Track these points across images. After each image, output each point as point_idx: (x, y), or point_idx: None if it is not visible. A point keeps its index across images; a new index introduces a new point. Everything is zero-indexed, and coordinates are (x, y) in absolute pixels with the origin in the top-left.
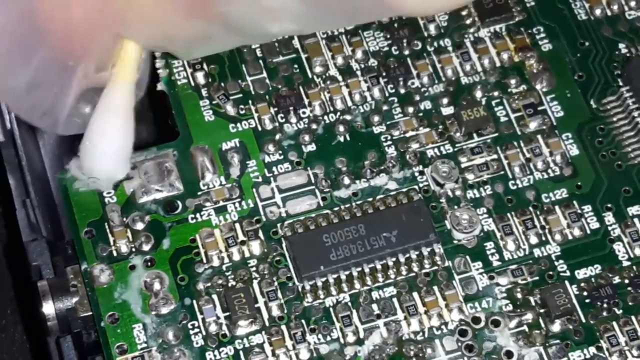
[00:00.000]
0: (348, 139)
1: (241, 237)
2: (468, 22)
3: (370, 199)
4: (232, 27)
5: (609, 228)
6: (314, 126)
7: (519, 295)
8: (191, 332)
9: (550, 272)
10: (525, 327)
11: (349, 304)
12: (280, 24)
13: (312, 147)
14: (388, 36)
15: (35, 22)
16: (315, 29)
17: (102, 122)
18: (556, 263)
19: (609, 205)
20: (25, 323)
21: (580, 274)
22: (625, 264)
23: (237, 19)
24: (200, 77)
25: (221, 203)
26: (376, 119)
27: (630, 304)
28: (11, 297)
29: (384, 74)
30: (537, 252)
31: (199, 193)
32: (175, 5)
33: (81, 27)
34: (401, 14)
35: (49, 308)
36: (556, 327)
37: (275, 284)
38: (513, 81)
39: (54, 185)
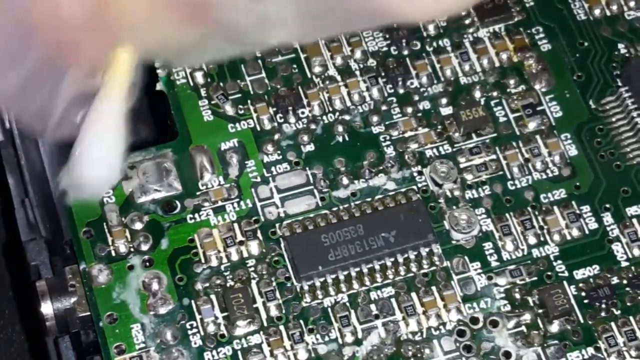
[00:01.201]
0: (347, 139)
1: (240, 237)
2: (467, 22)
3: (368, 199)
4: (228, 36)
5: (608, 228)
6: (312, 126)
7: (518, 296)
8: (189, 332)
9: (549, 273)
10: (523, 328)
11: (347, 304)
12: (277, 33)
13: (310, 147)
14: (387, 36)
15: (25, 25)
16: (313, 38)
17: (93, 130)
18: (555, 263)
19: (608, 206)
20: (23, 323)
21: (579, 274)
22: (624, 264)
23: (233, 27)
24: (199, 77)
25: (220, 203)
26: (375, 119)
27: (628, 304)
28: (9, 297)
29: (382, 74)
30: (535, 252)
31: (198, 193)
32: (169, 12)
33: (72, 32)
34: (398, 21)
35: (47, 308)
36: (554, 327)
37: (274, 284)
38: (512, 81)
39: (53, 185)
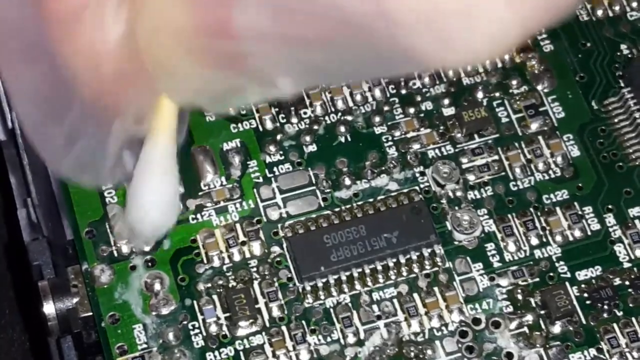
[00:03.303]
0: (349, 139)
1: (242, 238)
2: None
3: (371, 200)
4: (263, 81)
5: (610, 229)
6: (315, 127)
7: (520, 297)
8: (192, 332)
9: (551, 274)
10: (525, 329)
11: (350, 304)
12: (310, 79)
13: (313, 148)
14: None
15: (65, 82)
16: (345, 81)
17: (145, 176)
18: (557, 264)
19: (610, 207)
20: (25, 323)
21: (581, 275)
22: (626, 265)
23: (267, 74)
24: None
25: (222, 203)
26: (377, 119)
27: (630, 305)
28: (11, 297)
29: None
30: (537, 253)
31: (200, 193)
32: (202, 59)
33: (113, 86)
34: (428, 68)
35: (49, 308)
36: (557, 328)
37: (276, 284)
38: (514, 82)
39: (55, 185)
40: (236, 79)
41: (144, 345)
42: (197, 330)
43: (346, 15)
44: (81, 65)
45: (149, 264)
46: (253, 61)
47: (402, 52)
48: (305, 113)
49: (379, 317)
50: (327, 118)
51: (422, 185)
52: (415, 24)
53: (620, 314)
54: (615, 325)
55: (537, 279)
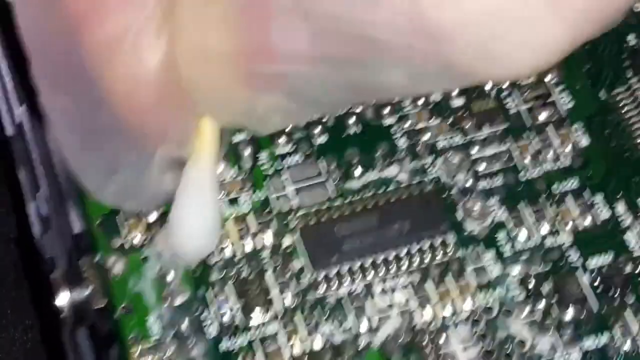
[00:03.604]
0: (358, 131)
1: (253, 229)
2: None
3: (381, 191)
4: (304, 101)
5: (620, 218)
6: (324, 118)
7: (531, 285)
8: (205, 322)
9: (562, 262)
10: (537, 316)
11: (362, 294)
12: (350, 97)
13: (322, 139)
14: None
15: (105, 111)
16: (385, 97)
17: (187, 200)
18: (567, 252)
19: (620, 196)
20: (38, 316)
21: (592, 263)
22: (637, 253)
23: (310, 93)
24: None
25: (233, 195)
26: (386, 111)
27: None
28: (12, 297)
29: None
30: (548, 241)
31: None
32: (242, 81)
33: (154, 112)
34: (473, 83)
35: (62, 300)
36: (568, 315)
37: (288, 274)
38: None
39: (63, 180)
40: (278, 100)
41: (158, 335)
42: (210, 320)
43: (383, 34)
44: (122, 92)
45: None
46: (293, 82)
47: (444, 68)
48: None
49: (391, 306)
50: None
51: (432, 176)
52: (458, 40)
53: (631, 301)
54: (626, 312)
55: (548, 267)
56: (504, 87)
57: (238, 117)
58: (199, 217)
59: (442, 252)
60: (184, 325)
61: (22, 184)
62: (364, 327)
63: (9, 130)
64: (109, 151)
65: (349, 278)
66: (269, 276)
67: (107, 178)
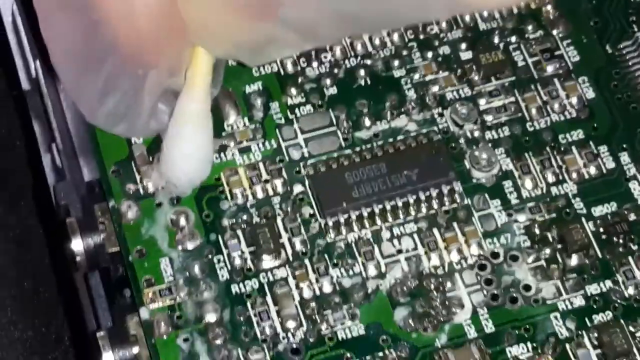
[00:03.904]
0: (369, 82)
1: (265, 176)
2: None
3: (390, 140)
4: (300, 32)
5: (625, 167)
6: (335, 70)
7: (537, 232)
8: (217, 266)
9: (567, 210)
10: (542, 262)
11: (371, 239)
12: (346, 27)
13: (333, 90)
14: None
15: (101, 34)
16: (381, 28)
17: (179, 128)
18: (573, 201)
19: (625, 146)
20: (52, 261)
21: (597, 211)
22: None
23: (304, 24)
24: None
25: (245, 144)
26: (396, 63)
27: None
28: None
29: None
30: (554, 190)
31: (223, 134)
32: (237, 11)
33: (148, 38)
34: (470, 10)
35: (77, 245)
36: (573, 261)
37: (299, 220)
38: (530, 27)
39: (75, 132)
40: (272, 30)
41: (171, 278)
42: (222, 264)
43: None
44: (118, 18)
45: (175, 201)
46: (288, 11)
47: None
48: (325, 57)
49: (399, 252)
50: (347, 62)
51: (440, 126)
52: None
53: (635, 247)
54: (630, 258)
55: (554, 215)
56: (512, 40)
57: (232, 48)
58: (191, 147)
59: (449, 199)
60: (196, 269)
61: (38, 137)
62: (372, 271)
63: (25, 85)
64: (103, 74)
65: (357, 224)
66: (280, 222)
67: (100, 101)
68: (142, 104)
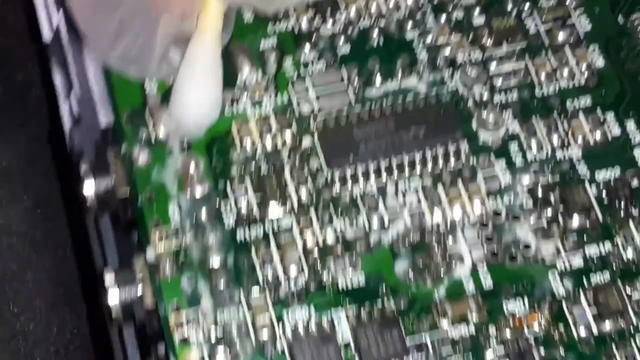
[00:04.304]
0: (381, 43)
1: (275, 129)
2: None
3: (400, 99)
4: None
5: (630, 135)
6: (349, 30)
7: (540, 193)
8: (223, 212)
9: (571, 173)
10: (544, 223)
11: (376, 194)
12: None
13: (346, 49)
14: None
15: None
16: None
17: (189, 72)
18: (577, 165)
19: (631, 114)
20: (65, 203)
21: (600, 175)
22: None
23: None
24: None
25: (257, 97)
26: (409, 25)
27: None
28: (53, 179)
29: None
30: (559, 154)
31: (236, 87)
32: None
33: None
34: None
35: (89, 188)
36: (574, 223)
37: (306, 172)
38: None
39: (93, 81)
40: None
41: (178, 222)
42: (228, 211)
43: None
44: None
45: (185, 148)
46: None
47: None
48: (340, 17)
49: (403, 206)
50: (361, 22)
51: (449, 88)
52: None
53: (636, 212)
54: (630, 222)
55: (558, 178)
56: (525, 7)
57: None
58: (200, 91)
59: (455, 159)
60: (203, 214)
61: (57, 86)
62: (375, 224)
63: (47, 37)
64: (118, 15)
65: (363, 179)
66: (287, 173)
67: (114, 42)
68: (154, 47)
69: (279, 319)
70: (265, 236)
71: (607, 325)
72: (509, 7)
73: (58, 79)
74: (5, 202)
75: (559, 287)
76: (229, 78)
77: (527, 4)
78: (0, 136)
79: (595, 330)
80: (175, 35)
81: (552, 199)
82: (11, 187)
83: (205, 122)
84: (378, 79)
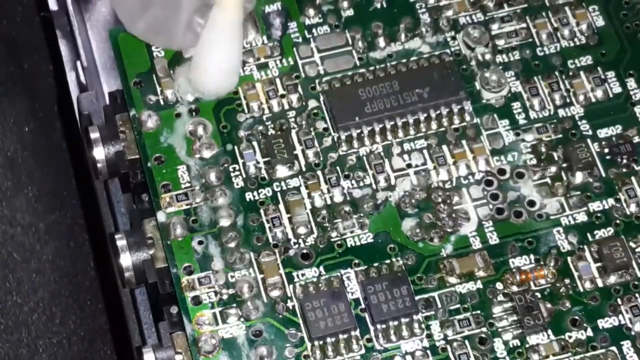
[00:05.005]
0: (384, 5)
1: (281, 91)
2: None
3: (404, 60)
4: None
5: (631, 92)
6: None
7: (543, 150)
8: (232, 174)
9: (574, 131)
10: (548, 179)
11: (382, 153)
12: None
13: (350, 12)
14: None
15: None
16: None
17: (211, 38)
18: (579, 123)
19: (632, 72)
20: (74, 168)
21: (602, 133)
22: None
23: None
24: None
25: (262, 60)
26: None
27: None
28: (62, 146)
29: None
30: (561, 112)
31: (243, 51)
32: None
33: None
34: None
35: (99, 152)
36: (577, 179)
37: (312, 133)
38: None
39: (98, 51)
40: None
41: (187, 184)
42: (237, 173)
43: None
44: None
45: (193, 112)
46: None
47: None
48: None
49: (409, 166)
50: None
51: (453, 48)
52: None
53: (638, 167)
54: (633, 177)
55: (560, 136)
56: None
57: None
58: (221, 59)
59: (459, 118)
60: (212, 176)
61: (63, 55)
62: (382, 184)
63: (53, 5)
64: None
65: (369, 139)
66: (294, 135)
67: (141, 13)
68: (180, 17)
69: (289, 278)
70: (274, 196)
71: (612, 279)
72: None
73: (64, 49)
74: (10, 193)
75: (563, 242)
76: None
77: None
78: (5, 124)
79: (600, 283)
80: (199, 4)
81: (555, 156)
82: (16, 177)
83: (225, 87)
84: (382, 41)
